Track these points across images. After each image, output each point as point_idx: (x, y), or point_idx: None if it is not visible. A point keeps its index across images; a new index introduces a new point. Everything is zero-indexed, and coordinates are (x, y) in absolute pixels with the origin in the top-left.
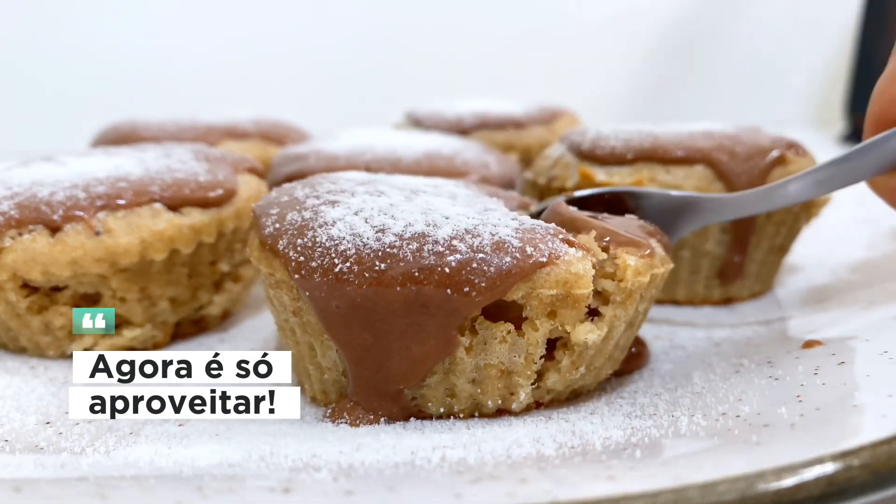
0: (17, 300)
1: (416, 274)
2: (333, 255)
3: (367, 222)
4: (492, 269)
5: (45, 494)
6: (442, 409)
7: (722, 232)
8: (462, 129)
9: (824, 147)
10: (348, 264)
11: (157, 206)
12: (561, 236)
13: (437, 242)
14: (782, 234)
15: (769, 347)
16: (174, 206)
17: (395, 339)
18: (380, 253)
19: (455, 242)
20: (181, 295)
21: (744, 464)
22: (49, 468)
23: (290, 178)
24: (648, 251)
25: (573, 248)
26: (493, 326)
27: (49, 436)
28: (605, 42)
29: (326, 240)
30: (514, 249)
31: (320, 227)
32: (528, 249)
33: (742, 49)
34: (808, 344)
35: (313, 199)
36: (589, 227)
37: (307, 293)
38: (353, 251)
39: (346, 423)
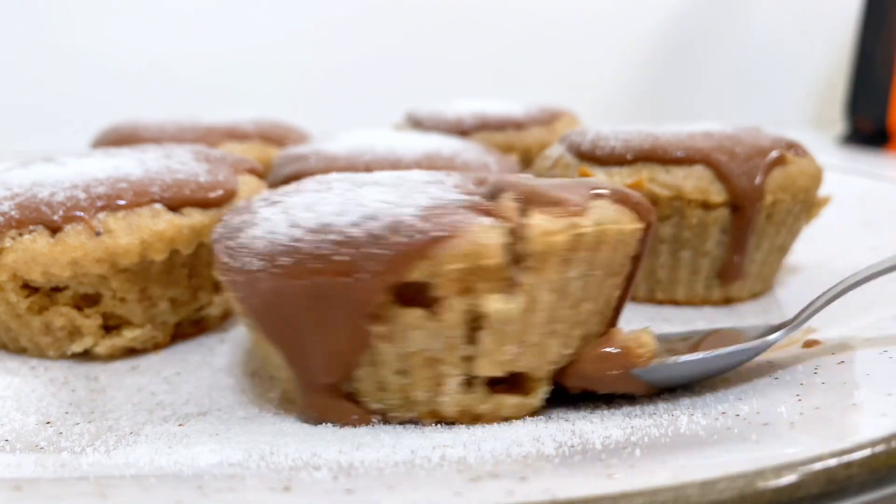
0: (18, 300)
1: (314, 265)
2: (250, 254)
3: (287, 219)
4: (385, 250)
5: (45, 493)
6: (378, 405)
7: (722, 232)
8: (462, 129)
9: (824, 148)
10: (259, 262)
11: (158, 206)
12: (479, 207)
13: (335, 231)
14: (782, 234)
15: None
16: (174, 206)
17: (310, 333)
18: (286, 248)
19: (351, 229)
20: (181, 295)
21: (743, 462)
22: (49, 468)
23: (290, 179)
24: (574, 209)
25: (484, 218)
26: (403, 313)
27: (49, 435)
28: (605, 43)
29: (247, 240)
30: (408, 228)
31: (248, 227)
32: (424, 226)
33: (742, 49)
34: (808, 343)
35: (262, 201)
36: (518, 190)
37: (233, 294)
38: (265, 248)
39: (313, 420)
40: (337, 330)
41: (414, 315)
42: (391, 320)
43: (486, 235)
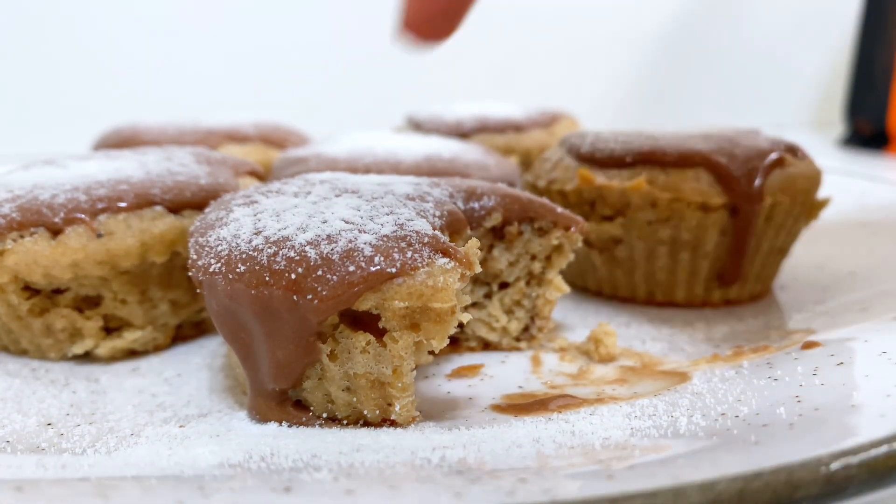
0: (19, 302)
1: (267, 278)
2: (212, 254)
3: (254, 224)
4: (334, 277)
5: (46, 494)
6: (325, 414)
7: (721, 234)
8: (462, 132)
9: (824, 150)
10: (219, 264)
11: (158, 208)
12: (439, 245)
13: (292, 247)
14: (781, 236)
15: (768, 348)
16: (175, 208)
17: (261, 340)
18: (244, 255)
19: (307, 248)
20: (182, 297)
21: (742, 463)
22: (50, 469)
23: None
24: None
25: (445, 259)
26: (352, 336)
27: (50, 437)
28: (605, 46)
29: (213, 240)
30: (361, 258)
31: (218, 226)
32: (377, 259)
33: (741, 52)
34: (807, 345)
35: (242, 198)
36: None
37: (198, 290)
38: (226, 251)
39: (257, 420)
40: (284, 342)
41: (361, 340)
42: (338, 341)
43: (443, 278)
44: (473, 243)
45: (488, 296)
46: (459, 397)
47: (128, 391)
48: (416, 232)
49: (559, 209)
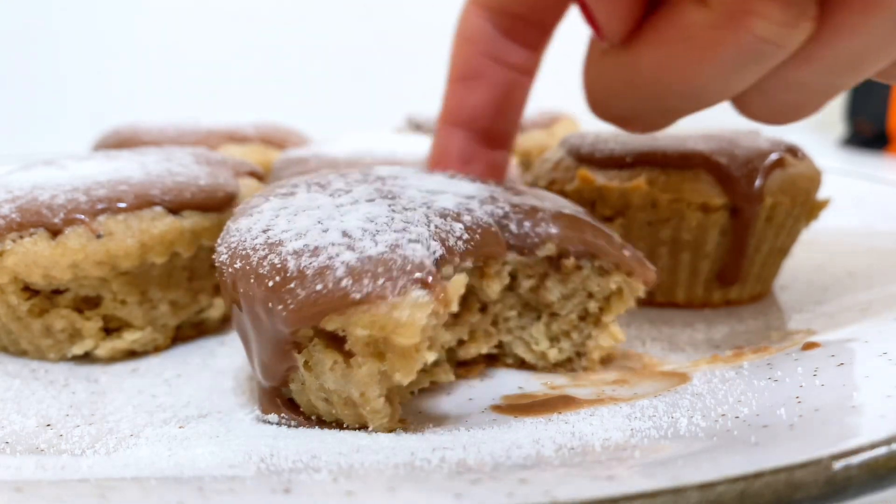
0: (18, 303)
1: (251, 279)
2: (226, 243)
3: (269, 220)
4: (303, 292)
5: (45, 495)
6: (314, 416)
7: (721, 235)
8: None
9: (824, 150)
10: (226, 255)
11: (158, 209)
12: (419, 276)
13: (279, 254)
14: (782, 236)
15: (768, 349)
16: (175, 209)
17: (250, 338)
18: (243, 252)
19: (290, 258)
20: (182, 298)
21: (743, 464)
22: (50, 470)
23: None
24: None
25: (423, 292)
26: (323, 351)
27: (50, 438)
28: None
29: (234, 228)
30: (332, 278)
31: (245, 215)
32: (345, 282)
33: None
34: (808, 346)
35: (289, 186)
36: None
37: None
38: (235, 244)
39: (259, 411)
40: (266, 344)
41: (329, 358)
42: (312, 354)
43: (409, 313)
44: (458, 281)
45: (536, 317)
46: (459, 398)
47: (127, 392)
48: (404, 257)
49: (627, 250)
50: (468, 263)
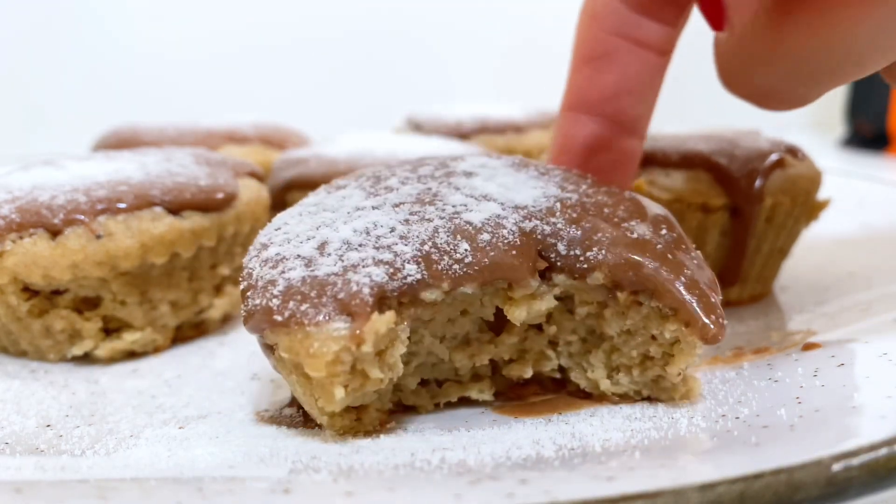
0: (18, 303)
1: (248, 280)
2: (267, 228)
3: (294, 215)
4: (250, 303)
5: (45, 496)
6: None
7: (721, 235)
8: (462, 133)
9: (824, 151)
10: (258, 241)
11: (158, 209)
12: (350, 307)
13: (259, 257)
14: (782, 237)
15: (769, 350)
16: (175, 209)
17: None
18: (258, 244)
19: (261, 264)
20: (182, 299)
21: (743, 465)
22: (49, 470)
23: (290, 183)
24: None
25: (339, 322)
26: (278, 361)
27: (49, 438)
28: None
29: (277, 217)
30: (271, 294)
31: (294, 205)
32: (274, 302)
33: None
34: (808, 346)
35: (346, 179)
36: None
37: None
38: (265, 235)
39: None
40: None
41: (287, 367)
42: (279, 359)
43: (315, 345)
44: (383, 320)
45: (597, 345)
46: (459, 398)
47: (127, 392)
48: (347, 282)
49: (690, 298)
50: (466, 288)
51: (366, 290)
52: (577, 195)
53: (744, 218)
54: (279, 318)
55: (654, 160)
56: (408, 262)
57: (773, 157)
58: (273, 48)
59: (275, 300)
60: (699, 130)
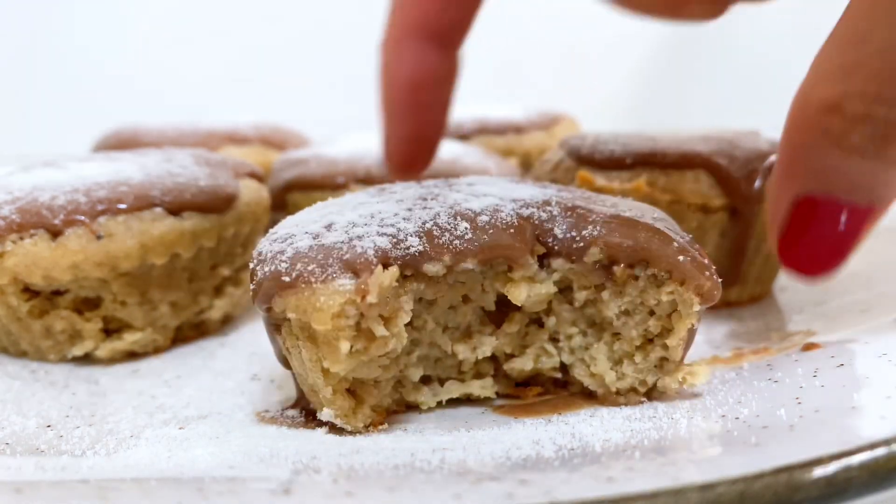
0: (19, 304)
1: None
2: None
3: (302, 214)
4: (258, 275)
5: (46, 496)
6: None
7: (721, 236)
8: (462, 133)
9: None
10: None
11: (158, 210)
12: (354, 265)
13: (273, 241)
14: None
15: (768, 350)
16: (175, 210)
17: None
18: (272, 240)
19: (268, 244)
20: (182, 299)
21: (743, 465)
22: (50, 471)
23: (290, 183)
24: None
25: (345, 278)
26: (289, 334)
27: (50, 439)
28: (605, 47)
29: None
30: (276, 262)
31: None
32: (282, 266)
33: (741, 54)
34: (808, 347)
35: (398, 184)
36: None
37: None
38: (298, 217)
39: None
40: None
41: (293, 339)
42: (285, 337)
43: (326, 300)
44: (387, 274)
45: (599, 337)
46: (459, 398)
47: (127, 393)
48: (353, 247)
49: (683, 257)
50: (467, 264)
51: (370, 252)
52: (572, 194)
53: (743, 219)
54: (287, 279)
55: (654, 160)
56: (410, 236)
57: (773, 157)
58: (273, 49)
59: (283, 264)
60: (699, 131)
